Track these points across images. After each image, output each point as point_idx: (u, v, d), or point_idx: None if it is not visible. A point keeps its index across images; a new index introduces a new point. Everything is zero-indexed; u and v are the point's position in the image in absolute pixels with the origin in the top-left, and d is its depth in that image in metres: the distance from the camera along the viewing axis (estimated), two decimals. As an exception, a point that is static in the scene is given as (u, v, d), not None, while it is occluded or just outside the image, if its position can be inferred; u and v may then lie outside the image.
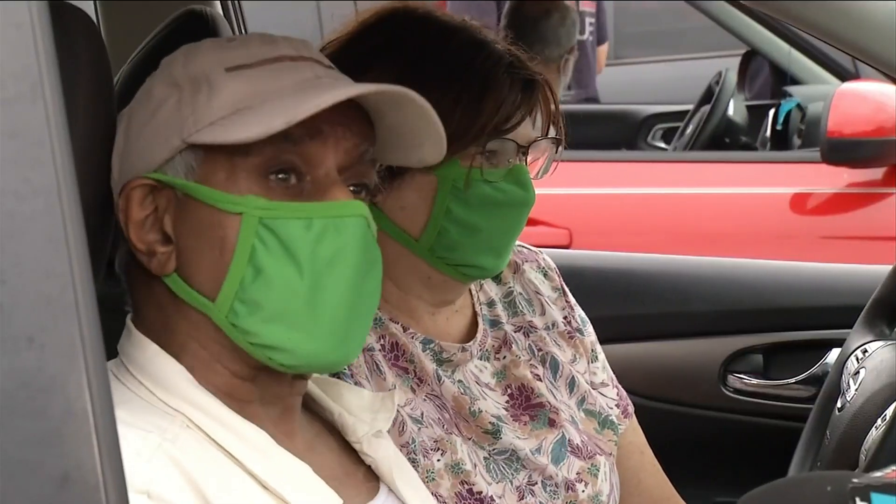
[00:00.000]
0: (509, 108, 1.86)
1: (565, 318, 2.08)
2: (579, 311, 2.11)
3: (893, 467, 1.27)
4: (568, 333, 2.07)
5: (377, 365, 1.89)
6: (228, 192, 1.42)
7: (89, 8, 2.57)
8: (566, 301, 2.10)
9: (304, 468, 1.46)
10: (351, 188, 1.48)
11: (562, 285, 2.11)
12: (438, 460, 1.86)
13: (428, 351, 1.92)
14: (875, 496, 1.21)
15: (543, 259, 2.12)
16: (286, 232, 1.41)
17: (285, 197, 1.43)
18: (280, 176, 1.43)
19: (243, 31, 3.05)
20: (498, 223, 1.89)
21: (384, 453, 1.56)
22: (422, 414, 1.89)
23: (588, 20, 6.46)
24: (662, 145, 5.86)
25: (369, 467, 1.57)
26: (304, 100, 1.41)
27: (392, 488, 1.56)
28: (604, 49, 6.67)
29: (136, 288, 1.50)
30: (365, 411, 1.59)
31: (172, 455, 1.37)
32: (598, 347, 2.11)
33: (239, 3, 3.06)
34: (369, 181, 1.51)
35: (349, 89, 1.43)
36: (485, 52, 1.88)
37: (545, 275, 2.10)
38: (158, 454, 1.36)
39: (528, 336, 2.03)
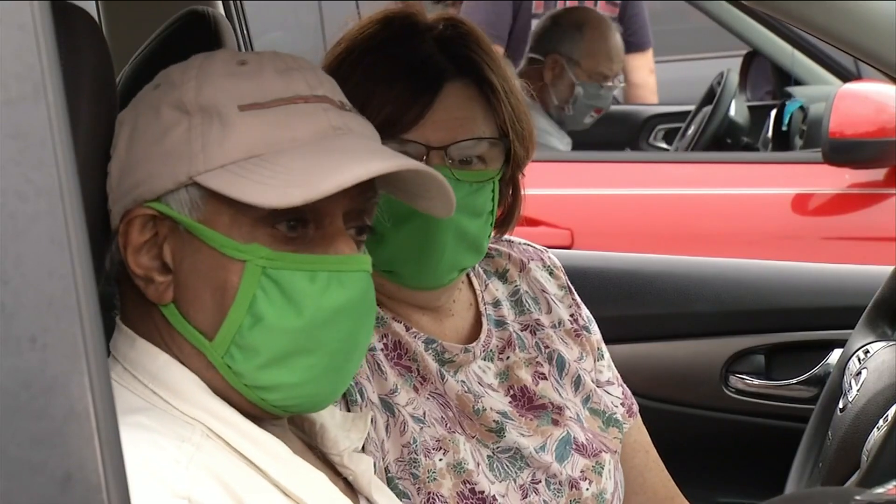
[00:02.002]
0: (396, 107, 1.82)
1: (571, 315, 2.08)
2: (585, 310, 2.11)
3: (895, 483, 1.27)
4: (574, 331, 2.07)
5: (379, 364, 1.88)
6: (232, 236, 1.41)
7: (91, 8, 2.57)
8: (572, 299, 2.10)
9: (321, 477, 1.46)
10: (352, 230, 1.47)
11: (567, 283, 2.11)
12: (440, 460, 1.86)
13: (430, 351, 1.92)
14: None
15: (549, 257, 2.12)
16: (290, 283, 1.40)
17: (289, 244, 1.42)
18: (287, 223, 1.42)
19: (245, 31, 3.05)
20: (411, 230, 1.84)
21: (365, 467, 1.57)
22: (424, 413, 1.89)
23: None
24: (664, 146, 5.85)
25: (346, 482, 1.57)
26: (322, 166, 1.39)
27: (370, 501, 1.57)
28: (642, 55, 6.21)
29: (129, 307, 1.48)
30: (338, 429, 1.58)
31: (205, 463, 1.37)
32: (604, 346, 2.11)
33: (241, 3, 3.06)
34: (370, 221, 1.50)
35: (368, 166, 1.40)
36: (385, 50, 1.87)
37: (551, 273, 2.10)
38: (195, 462, 1.36)
39: (535, 334, 2.03)
